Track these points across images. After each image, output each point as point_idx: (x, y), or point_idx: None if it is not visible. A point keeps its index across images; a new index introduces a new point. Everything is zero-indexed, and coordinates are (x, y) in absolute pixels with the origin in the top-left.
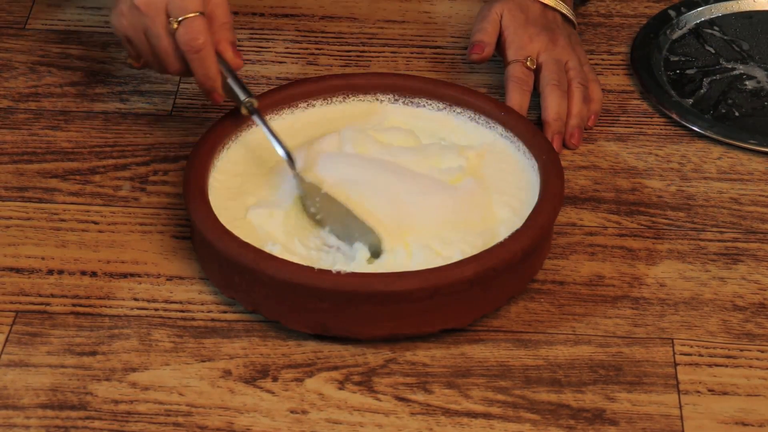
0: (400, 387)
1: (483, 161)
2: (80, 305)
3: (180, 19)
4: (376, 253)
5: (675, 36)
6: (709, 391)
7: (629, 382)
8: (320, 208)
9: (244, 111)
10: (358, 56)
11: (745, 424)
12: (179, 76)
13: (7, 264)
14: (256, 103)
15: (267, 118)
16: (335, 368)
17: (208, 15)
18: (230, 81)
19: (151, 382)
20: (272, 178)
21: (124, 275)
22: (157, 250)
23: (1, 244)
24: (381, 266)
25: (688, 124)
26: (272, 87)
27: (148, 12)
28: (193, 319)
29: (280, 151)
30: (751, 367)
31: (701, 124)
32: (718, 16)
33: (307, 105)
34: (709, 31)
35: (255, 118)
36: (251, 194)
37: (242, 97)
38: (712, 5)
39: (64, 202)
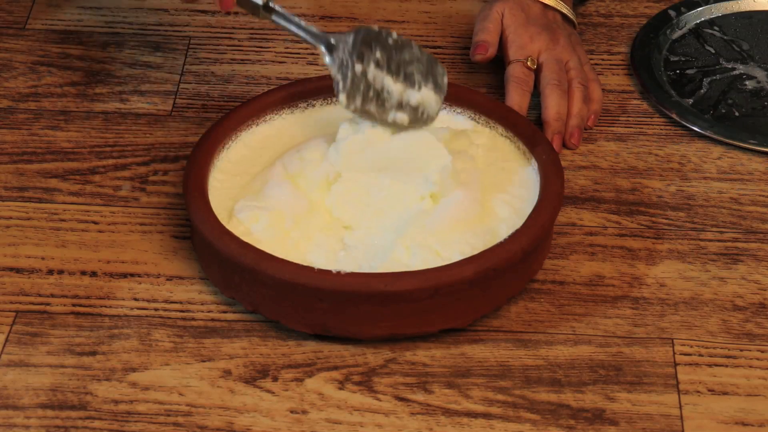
0: (400, 387)
1: (485, 157)
2: (80, 305)
3: None
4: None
5: (675, 36)
6: (709, 391)
7: (629, 382)
8: (374, 70)
9: (261, 16)
10: None
11: (745, 424)
12: None
13: (7, 264)
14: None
15: (267, 117)
16: (335, 368)
17: None
18: None
19: (151, 382)
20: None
21: (124, 275)
22: (157, 250)
23: (1, 244)
24: (382, 267)
25: (688, 124)
26: (272, 87)
27: None
28: (193, 319)
29: (315, 42)
30: (751, 367)
31: (701, 124)
32: (718, 16)
33: (307, 105)
34: (709, 31)
35: (276, 18)
36: (251, 194)
37: (258, 1)
38: (712, 5)
39: (64, 202)
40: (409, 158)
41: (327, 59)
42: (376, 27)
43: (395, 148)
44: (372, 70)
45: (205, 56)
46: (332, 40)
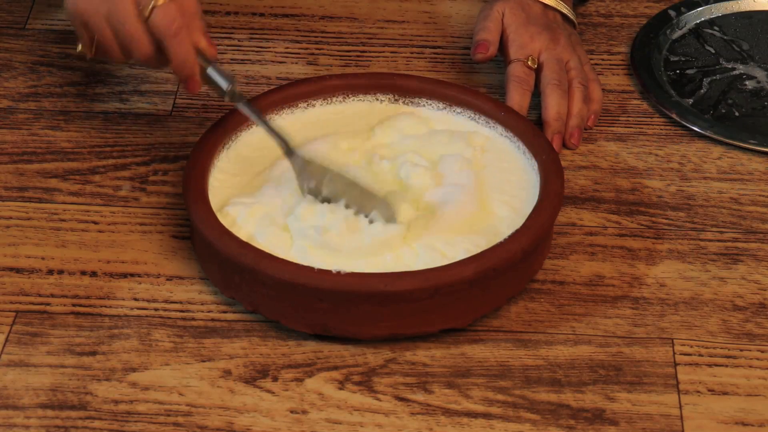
0: (400, 387)
1: (484, 157)
2: (80, 305)
3: (153, 5)
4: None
5: (675, 36)
6: (709, 391)
7: (629, 382)
8: (330, 188)
9: (227, 99)
10: (358, 56)
11: (745, 424)
12: (143, 64)
13: (7, 264)
14: (237, 88)
15: (267, 117)
16: (335, 368)
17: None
18: (209, 71)
19: (151, 382)
20: (272, 178)
21: (124, 275)
22: (157, 250)
23: (1, 244)
24: (386, 267)
25: (688, 124)
26: (272, 87)
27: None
28: (193, 319)
29: (274, 136)
30: (751, 367)
31: (701, 124)
32: (718, 16)
33: (307, 105)
34: (709, 31)
35: (241, 106)
36: (251, 195)
37: (224, 85)
38: (712, 5)
39: (64, 202)
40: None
41: (289, 154)
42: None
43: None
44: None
45: None
46: (293, 149)
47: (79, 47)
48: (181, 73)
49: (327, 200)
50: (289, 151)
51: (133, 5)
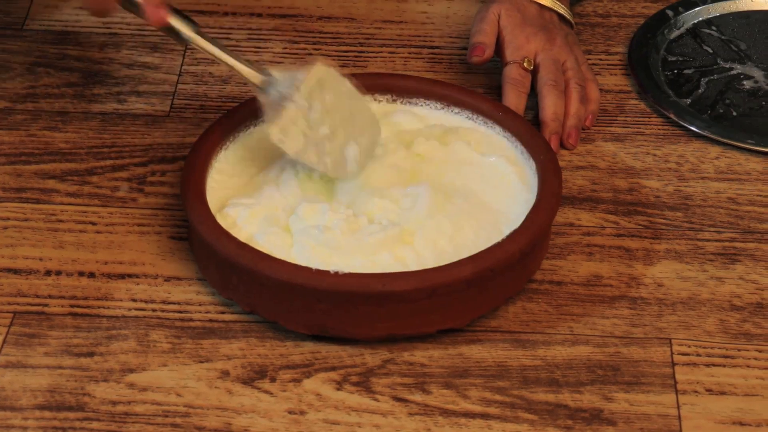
0: (398, 387)
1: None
2: (78, 306)
3: None
4: (367, 153)
5: (672, 36)
6: (707, 391)
7: (627, 382)
8: (321, 112)
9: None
10: (355, 56)
11: (742, 424)
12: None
13: (4, 265)
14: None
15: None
16: (333, 369)
17: None
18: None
19: (149, 383)
20: (271, 179)
21: (122, 276)
22: (154, 250)
23: None
24: (387, 266)
25: (685, 124)
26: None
27: None
28: (191, 319)
29: (243, 69)
30: (748, 366)
31: (699, 124)
32: (716, 16)
33: None
34: (707, 31)
35: (204, 43)
36: (250, 195)
37: (186, 32)
38: (710, 5)
39: (61, 203)
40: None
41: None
42: (334, 70)
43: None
44: (315, 113)
45: (202, 57)
46: (269, 77)
47: None
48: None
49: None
50: (264, 83)
51: None
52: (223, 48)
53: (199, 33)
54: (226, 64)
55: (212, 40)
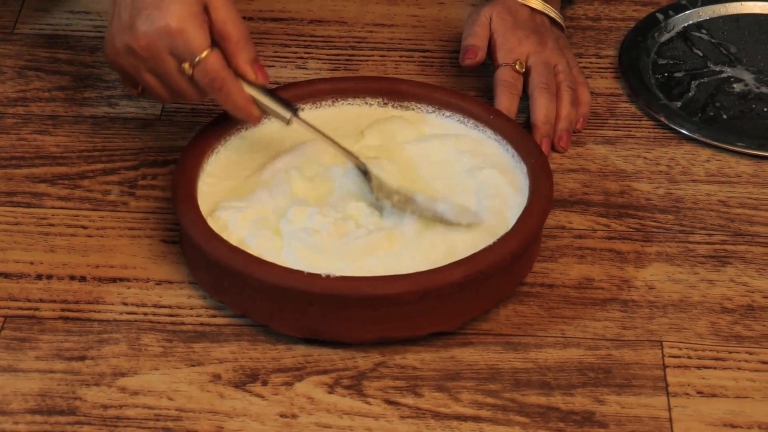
0: (390, 390)
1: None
2: (69, 310)
3: (193, 62)
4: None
5: (663, 39)
6: (698, 393)
7: (618, 384)
8: (398, 197)
9: (289, 125)
10: (347, 60)
11: (733, 426)
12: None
13: None
14: (300, 114)
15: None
16: (325, 372)
17: (217, 35)
18: (264, 101)
19: (141, 387)
20: (262, 182)
21: (113, 280)
22: (146, 254)
23: None
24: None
25: (676, 127)
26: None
27: (150, 56)
28: (183, 323)
29: (345, 154)
30: (739, 369)
31: (689, 127)
32: (706, 20)
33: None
34: (697, 34)
35: (305, 127)
36: (242, 199)
37: (286, 115)
38: (700, 8)
39: (53, 207)
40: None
41: (360, 172)
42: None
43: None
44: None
45: None
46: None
47: (126, 87)
48: (238, 117)
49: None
50: (363, 169)
51: (173, 61)
52: (323, 133)
53: (297, 118)
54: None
55: (312, 126)
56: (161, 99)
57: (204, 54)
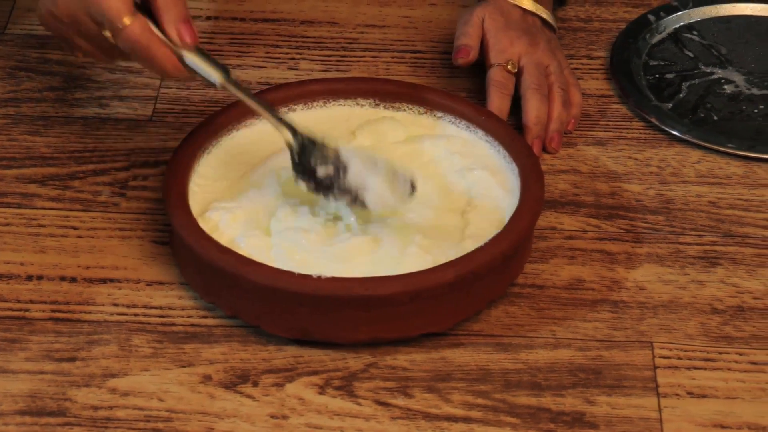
0: (381, 391)
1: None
2: (59, 311)
3: (113, 29)
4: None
5: (654, 40)
6: (688, 394)
7: (609, 385)
8: (334, 163)
9: (221, 87)
10: (338, 61)
11: (723, 427)
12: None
13: None
14: (232, 75)
15: (248, 122)
16: (315, 373)
17: None
18: (193, 64)
19: (131, 388)
20: (253, 182)
21: (104, 281)
22: (136, 255)
23: None
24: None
25: (667, 128)
26: (253, 92)
27: (73, 22)
28: (173, 324)
29: (274, 121)
30: (729, 369)
31: (680, 128)
32: (697, 21)
33: (288, 110)
34: (688, 35)
35: (235, 91)
36: (232, 199)
37: (216, 78)
38: (691, 10)
39: (43, 208)
40: None
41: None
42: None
43: None
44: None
45: None
46: (296, 131)
47: (73, 52)
48: (163, 78)
49: (329, 182)
50: (294, 133)
51: (95, 27)
52: (252, 97)
53: (228, 80)
54: (256, 113)
55: (243, 89)
56: (101, 61)
57: (124, 20)
